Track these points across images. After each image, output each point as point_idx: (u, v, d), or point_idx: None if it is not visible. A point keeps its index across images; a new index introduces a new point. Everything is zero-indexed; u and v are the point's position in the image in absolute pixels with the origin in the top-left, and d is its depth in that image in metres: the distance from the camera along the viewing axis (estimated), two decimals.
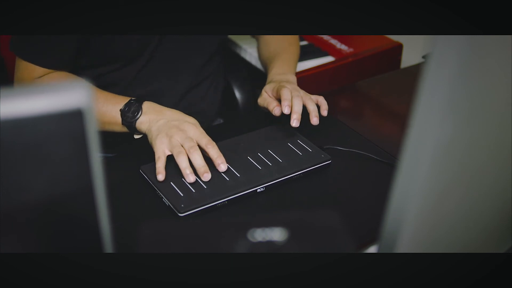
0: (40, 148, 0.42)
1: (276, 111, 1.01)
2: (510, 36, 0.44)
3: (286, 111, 0.98)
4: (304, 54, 1.57)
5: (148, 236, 0.52)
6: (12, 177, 0.42)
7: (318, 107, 1.03)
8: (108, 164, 0.79)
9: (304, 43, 1.64)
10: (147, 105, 0.99)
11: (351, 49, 1.59)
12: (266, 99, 1.05)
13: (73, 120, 0.41)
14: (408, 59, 1.66)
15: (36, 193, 0.44)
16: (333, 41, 1.63)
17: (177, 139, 0.93)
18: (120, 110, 0.99)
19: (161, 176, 0.90)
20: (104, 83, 1.09)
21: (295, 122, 0.96)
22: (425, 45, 1.66)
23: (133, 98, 1.00)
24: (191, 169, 0.90)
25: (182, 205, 0.86)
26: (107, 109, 1.00)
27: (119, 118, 0.99)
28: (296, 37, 1.28)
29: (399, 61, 1.65)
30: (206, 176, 0.90)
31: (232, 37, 1.57)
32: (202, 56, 1.17)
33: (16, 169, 0.42)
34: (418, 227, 0.50)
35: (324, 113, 1.02)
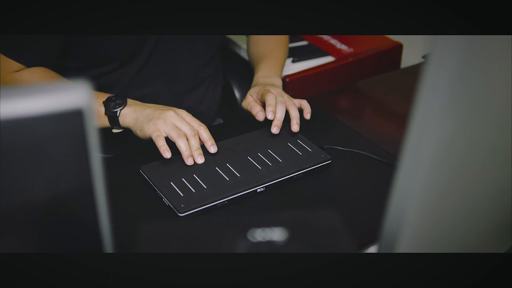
0: (40, 148, 0.42)
1: (259, 116, 1.02)
2: (510, 36, 0.44)
3: (270, 116, 1.00)
4: (304, 54, 1.57)
5: (148, 236, 0.52)
6: (12, 177, 0.42)
7: (302, 111, 1.05)
8: (108, 164, 0.79)
9: (304, 43, 1.64)
10: (131, 100, 0.99)
11: (351, 49, 1.59)
12: (250, 103, 1.06)
13: (73, 120, 0.41)
14: (408, 59, 1.66)
15: (36, 193, 0.44)
16: (333, 41, 1.63)
17: (172, 121, 0.93)
18: (103, 101, 0.98)
19: (168, 154, 0.91)
20: (100, 85, 1.08)
21: (275, 129, 1.00)
22: (425, 45, 1.66)
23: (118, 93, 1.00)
24: (190, 152, 0.92)
25: (182, 205, 0.86)
26: None
27: (101, 110, 0.98)
28: (286, 39, 1.28)
29: (399, 61, 1.65)
30: (200, 158, 0.93)
31: (232, 37, 1.57)
32: (200, 58, 1.17)
33: (16, 169, 0.42)
34: (418, 227, 0.50)
35: (307, 116, 1.04)
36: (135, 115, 0.96)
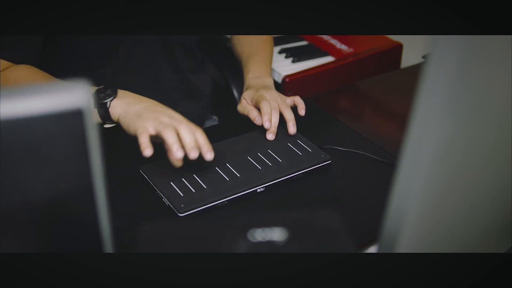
0: (40, 148, 0.42)
1: (257, 121, 1.03)
2: (510, 36, 0.44)
3: (267, 125, 1.00)
4: (304, 54, 1.57)
5: (148, 236, 0.52)
6: (12, 177, 0.42)
7: (296, 108, 1.05)
8: (108, 164, 0.79)
9: (304, 43, 1.64)
10: (122, 91, 0.91)
11: (351, 49, 1.59)
12: (246, 107, 1.06)
13: (73, 120, 0.41)
14: (408, 59, 1.66)
15: (36, 193, 0.44)
16: (333, 41, 1.63)
17: (163, 119, 0.85)
18: (92, 93, 0.90)
19: (148, 151, 0.81)
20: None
21: (270, 136, 1.01)
22: (425, 45, 1.66)
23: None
24: (179, 144, 0.83)
25: (182, 205, 0.85)
26: None
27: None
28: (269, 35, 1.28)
29: (399, 61, 1.65)
30: (194, 153, 0.83)
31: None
32: (179, 63, 1.18)
33: (16, 169, 0.42)
34: (418, 227, 0.50)
35: (302, 112, 1.04)
36: (125, 108, 0.88)
